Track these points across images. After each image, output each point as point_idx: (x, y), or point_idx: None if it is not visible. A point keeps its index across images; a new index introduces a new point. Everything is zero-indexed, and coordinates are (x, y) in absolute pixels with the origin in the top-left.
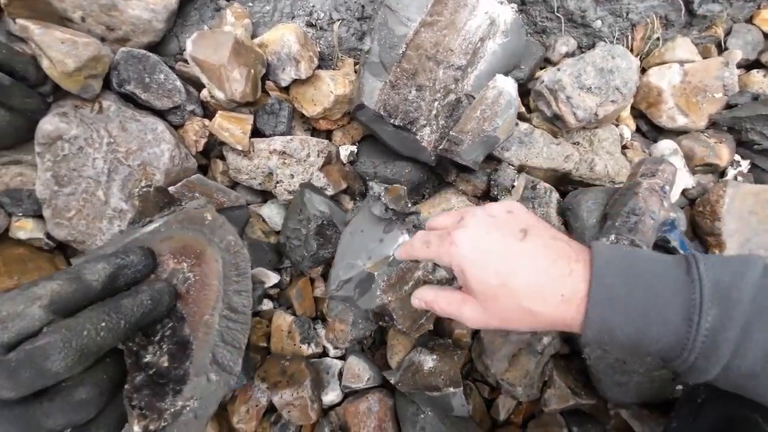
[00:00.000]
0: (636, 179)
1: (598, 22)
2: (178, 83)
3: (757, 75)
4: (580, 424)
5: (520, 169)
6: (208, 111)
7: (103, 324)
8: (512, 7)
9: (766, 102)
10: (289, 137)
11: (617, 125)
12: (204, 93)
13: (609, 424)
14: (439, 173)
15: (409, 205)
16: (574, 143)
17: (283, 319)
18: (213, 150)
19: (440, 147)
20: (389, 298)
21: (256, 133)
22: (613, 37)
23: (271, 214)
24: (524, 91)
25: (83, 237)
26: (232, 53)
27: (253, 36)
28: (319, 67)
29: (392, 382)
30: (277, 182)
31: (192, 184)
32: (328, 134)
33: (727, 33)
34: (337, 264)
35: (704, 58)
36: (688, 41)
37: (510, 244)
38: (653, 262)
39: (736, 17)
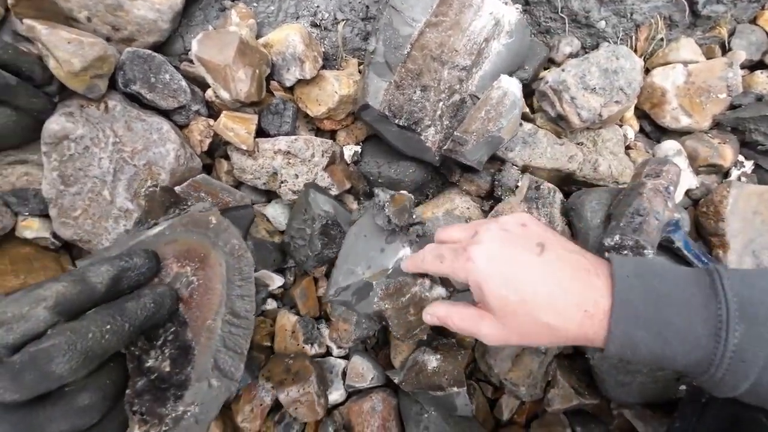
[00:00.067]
0: (640, 180)
1: (602, 23)
2: (183, 83)
3: (760, 76)
4: (583, 424)
5: (524, 169)
6: (212, 111)
7: (108, 327)
8: (517, 8)
9: None
10: (293, 137)
11: (621, 126)
12: (209, 93)
13: (612, 424)
14: (443, 173)
15: (414, 216)
16: (578, 143)
17: (287, 319)
18: (218, 150)
19: (444, 147)
20: (386, 306)
21: (261, 133)
22: (617, 37)
23: (276, 213)
24: (528, 92)
25: (89, 236)
26: (237, 53)
27: (258, 36)
28: (323, 67)
29: (396, 381)
30: (282, 182)
31: (197, 184)
32: (332, 134)
33: (731, 34)
34: (339, 266)
35: (708, 58)
36: (692, 42)
37: (528, 259)
38: (675, 276)
39: (740, 18)
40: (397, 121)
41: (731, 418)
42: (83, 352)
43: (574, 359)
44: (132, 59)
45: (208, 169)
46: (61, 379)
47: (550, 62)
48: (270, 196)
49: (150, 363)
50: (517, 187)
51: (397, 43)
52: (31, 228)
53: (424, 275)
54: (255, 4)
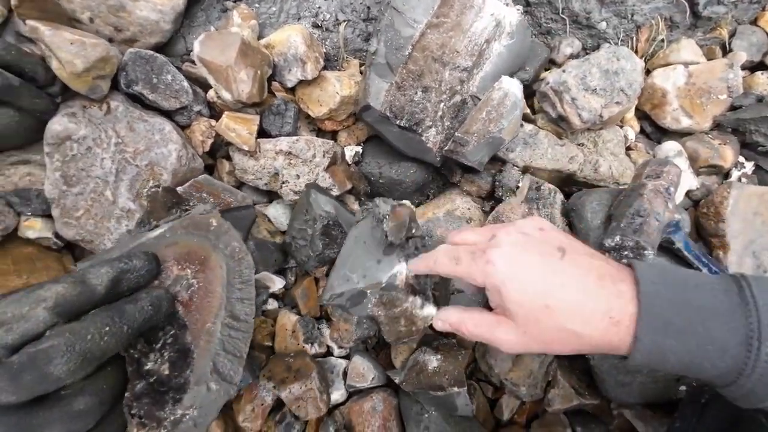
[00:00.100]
0: (641, 180)
1: (603, 24)
2: (185, 84)
3: (761, 77)
4: (583, 424)
5: (525, 170)
6: (214, 111)
7: (107, 329)
8: (518, 9)
9: None
10: (294, 138)
11: (622, 126)
12: (211, 94)
13: (612, 425)
14: (444, 174)
15: (413, 230)
16: (579, 144)
17: (287, 319)
18: (219, 150)
19: (445, 148)
20: (379, 312)
21: (263, 133)
22: (618, 38)
23: (277, 214)
24: (529, 93)
25: (91, 236)
26: (239, 54)
27: (260, 37)
28: (324, 68)
29: (397, 381)
30: (283, 182)
31: (199, 185)
32: (333, 135)
33: (732, 35)
34: (337, 269)
35: (709, 59)
36: (692, 43)
37: (550, 263)
38: (701, 283)
39: (740, 19)
40: (398, 122)
41: (731, 419)
42: (82, 353)
43: (574, 359)
44: (134, 60)
45: (209, 169)
46: (59, 381)
47: (551, 63)
48: (271, 196)
49: (149, 366)
50: (517, 187)
51: (399, 44)
52: (34, 228)
53: (416, 293)
54: (257, 5)
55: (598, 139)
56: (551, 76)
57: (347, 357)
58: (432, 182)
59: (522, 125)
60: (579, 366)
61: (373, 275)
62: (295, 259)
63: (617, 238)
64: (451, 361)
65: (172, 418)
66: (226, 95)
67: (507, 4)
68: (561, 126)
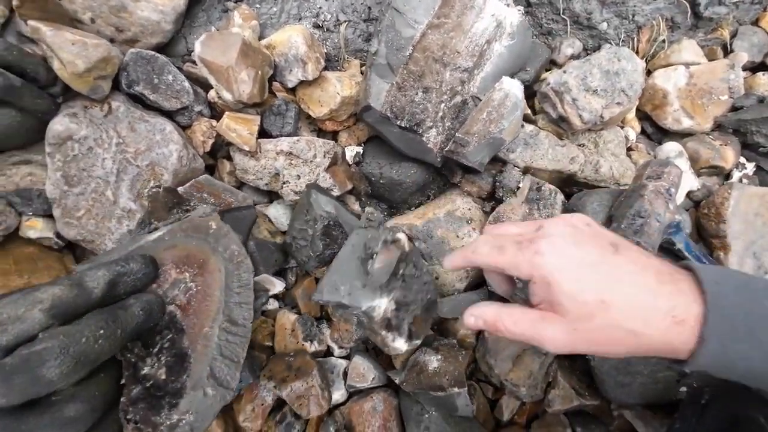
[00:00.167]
0: (641, 181)
1: (604, 24)
2: (186, 84)
3: (762, 77)
4: (583, 424)
5: (526, 170)
6: (215, 112)
7: (102, 332)
8: (518, 10)
9: None
10: (295, 138)
11: (622, 127)
12: (211, 94)
13: (612, 425)
14: (444, 174)
15: (402, 270)
16: (580, 145)
17: (287, 318)
18: (220, 150)
19: (446, 148)
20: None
21: (263, 133)
22: (619, 39)
23: (278, 214)
24: (530, 93)
25: (92, 236)
26: (239, 55)
27: (261, 37)
28: (325, 68)
29: (397, 381)
30: (284, 183)
31: (200, 185)
32: (334, 135)
33: (733, 35)
34: (331, 273)
35: (710, 60)
36: (693, 43)
37: (604, 258)
38: (761, 286)
39: (741, 19)
40: (398, 123)
41: (731, 419)
42: (75, 356)
43: (574, 360)
44: (135, 60)
45: (210, 169)
46: (52, 384)
47: (552, 64)
48: (272, 196)
49: (146, 370)
50: (518, 188)
51: (399, 44)
52: (35, 228)
53: (391, 329)
54: (258, 6)
55: (598, 140)
56: (552, 77)
57: (347, 357)
58: (432, 183)
59: (523, 126)
60: (579, 367)
61: (356, 297)
62: (296, 260)
63: None
64: (452, 362)
65: (168, 423)
66: (227, 95)
67: (508, 5)
68: (562, 127)
